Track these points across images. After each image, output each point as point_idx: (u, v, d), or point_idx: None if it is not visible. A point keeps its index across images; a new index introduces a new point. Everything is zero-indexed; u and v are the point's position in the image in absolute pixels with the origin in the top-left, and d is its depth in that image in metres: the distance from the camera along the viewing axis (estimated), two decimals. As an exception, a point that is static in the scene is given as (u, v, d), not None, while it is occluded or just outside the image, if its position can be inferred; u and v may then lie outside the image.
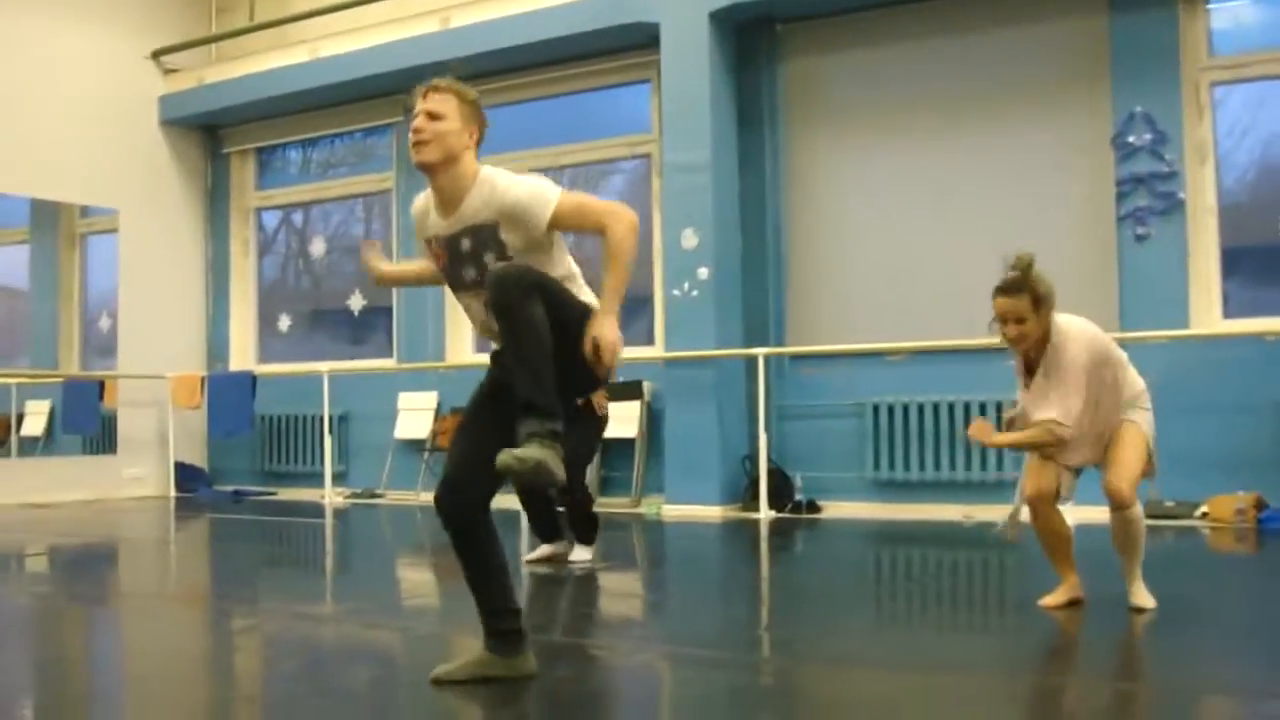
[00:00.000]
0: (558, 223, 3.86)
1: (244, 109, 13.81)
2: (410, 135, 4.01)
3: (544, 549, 7.50)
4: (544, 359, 3.62)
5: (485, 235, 3.89)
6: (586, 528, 7.55)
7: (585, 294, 3.94)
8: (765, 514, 9.91)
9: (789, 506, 10.10)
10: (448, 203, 3.98)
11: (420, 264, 4.32)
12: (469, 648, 4.20)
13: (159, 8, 14.06)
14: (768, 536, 8.92)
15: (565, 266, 3.96)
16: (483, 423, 3.93)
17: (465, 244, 3.93)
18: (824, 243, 10.69)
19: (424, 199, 4.12)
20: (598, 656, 4.51)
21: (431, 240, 4.06)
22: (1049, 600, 5.29)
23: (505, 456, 3.50)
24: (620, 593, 6.72)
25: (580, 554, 7.52)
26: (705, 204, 10.43)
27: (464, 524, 3.92)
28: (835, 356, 10.37)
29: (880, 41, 10.45)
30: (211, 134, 14.65)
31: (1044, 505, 5.24)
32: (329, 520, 10.74)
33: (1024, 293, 5.04)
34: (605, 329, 3.68)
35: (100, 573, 7.92)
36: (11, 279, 14.78)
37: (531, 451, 3.50)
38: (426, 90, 4.09)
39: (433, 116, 4.00)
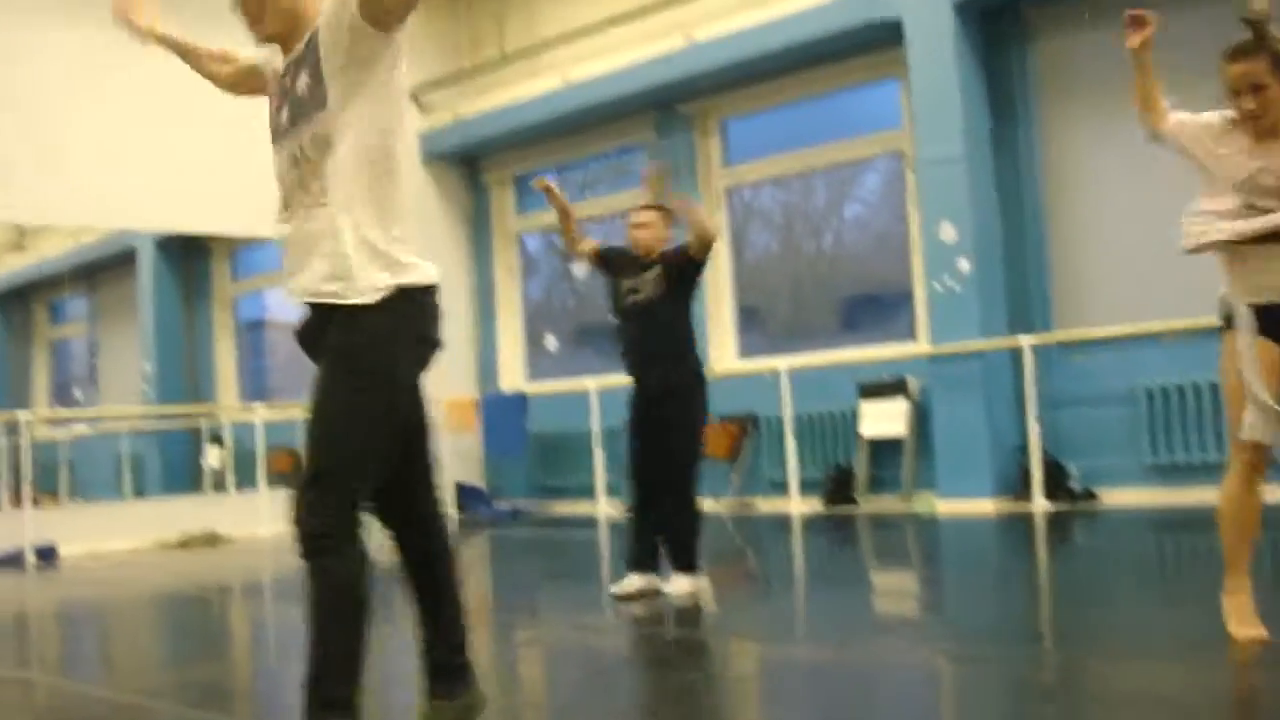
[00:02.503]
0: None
1: (500, 139, 14.18)
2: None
3: (636, 581, 6.42)
4: None
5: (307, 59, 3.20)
6: (690, 548, 6.36)
7: (411, 265, 3.25)
8: (1040, 505, 9.70)
9: (1064, 496, 9.87)
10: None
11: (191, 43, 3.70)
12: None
13: (414, 47, 14.49)
14: (1044, 528, 8.75)
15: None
16: None
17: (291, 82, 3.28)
18: (1087, 224, 10.41)
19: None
20: (875, 655, 4.51)
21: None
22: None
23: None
24: (895, 591, 6.70)
25: (680, 584, 6.29)
26: (961, 196, 10.29)
27: None
28: (1105, 341, 10.08)
29: (1133, 15, 10.11)
30: (471, 165, 15.11)
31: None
32: (604, 533, 10.96)
33: (1261, 54, 4.13)
34: None
35: (386, 591, 8.25)
36: (293, 315, 15.54)
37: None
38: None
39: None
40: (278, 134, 3.29)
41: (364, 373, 3.14)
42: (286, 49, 3.28)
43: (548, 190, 6.71)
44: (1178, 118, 4.37)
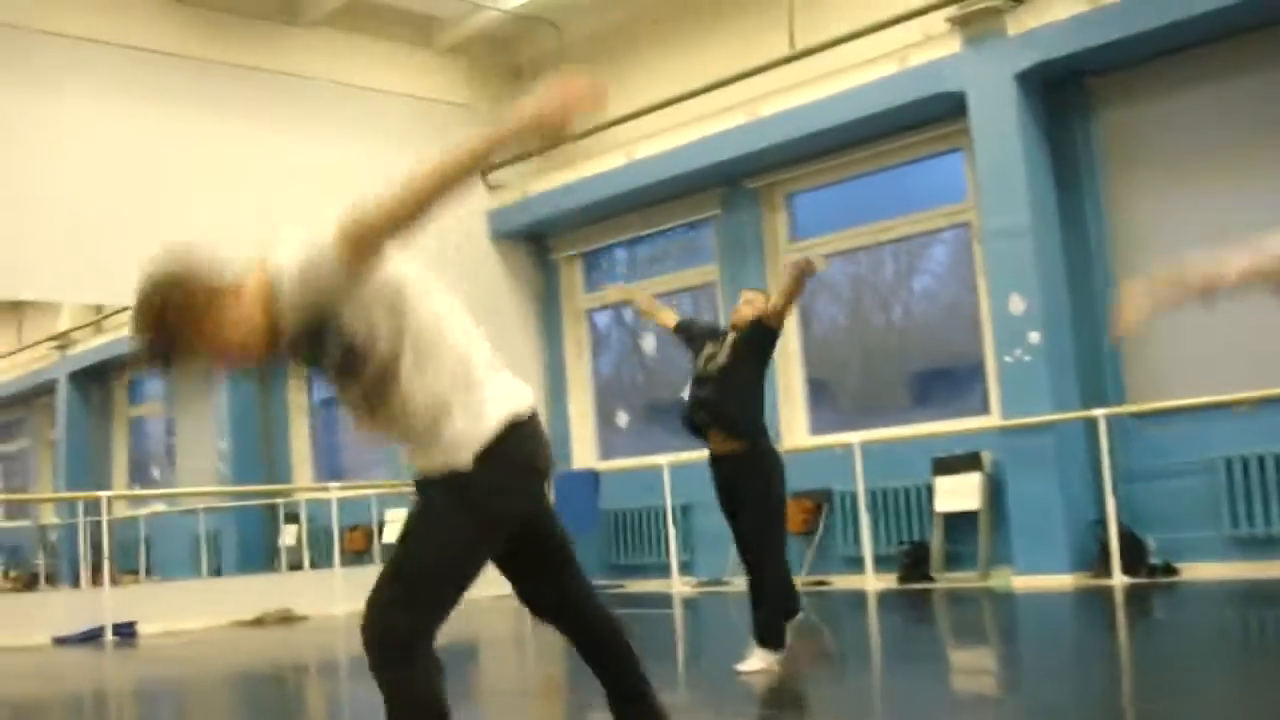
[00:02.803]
0: (351, 258, 2.96)
1: (568, 216, 14.31)
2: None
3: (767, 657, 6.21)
4: None
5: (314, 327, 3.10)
6: (774, 621, 6.17)
7: (503, 403, 3.27)
8: (1118, 580, 9.57)
9: (1143, 571, 9.73)
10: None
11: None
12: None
13: (477, 126, 14.68)
14: (1122, 603, 8.63)
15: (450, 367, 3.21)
16: None
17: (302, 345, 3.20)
18: (1158, 295, 10.31)
19: None
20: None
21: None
22: None
23: None
24: (972, 669, 6.63)
25: (757, 661, 6.12)
26: (1029, 267, 10.24)
27: None
28: (1181, 411, 9.96)
29: (1199, 82, 10.06)
30: (539, 242, 15.23)
31: None
32: (678, 610, 10.91)
33: None
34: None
35: (463, 671, 8.26)
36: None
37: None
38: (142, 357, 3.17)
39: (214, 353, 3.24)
40: (333, 387, 3.23)
41: (464, 519, 3.15)
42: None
43: (627, 299, 6.95)
44: (1244, 261, 3.77)
